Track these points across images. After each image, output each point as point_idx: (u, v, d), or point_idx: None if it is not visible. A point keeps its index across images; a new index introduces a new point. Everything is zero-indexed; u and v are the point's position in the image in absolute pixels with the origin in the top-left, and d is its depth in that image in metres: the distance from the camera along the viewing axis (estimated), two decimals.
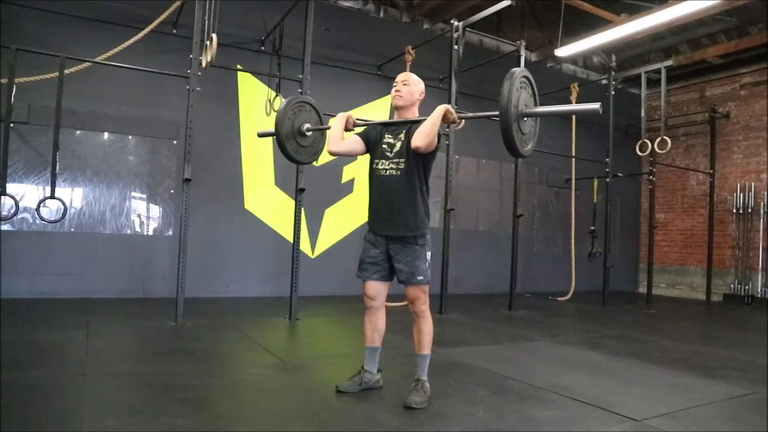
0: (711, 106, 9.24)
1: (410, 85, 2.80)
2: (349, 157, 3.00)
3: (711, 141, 9.25)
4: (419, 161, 2.69)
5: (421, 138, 2.55)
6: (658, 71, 7.74)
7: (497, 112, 2.27)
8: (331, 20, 6.97)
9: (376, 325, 2.84)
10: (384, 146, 2.77)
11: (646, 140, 7.53)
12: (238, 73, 6.40)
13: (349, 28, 7.26)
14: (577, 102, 8.05)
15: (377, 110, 7.26)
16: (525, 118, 2.34)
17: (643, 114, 7.81)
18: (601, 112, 2.23)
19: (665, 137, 7.32)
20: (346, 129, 2.89)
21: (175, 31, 5.93)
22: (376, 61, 7.37)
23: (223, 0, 4.88)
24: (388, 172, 2.73)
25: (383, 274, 2.80)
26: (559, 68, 9.59)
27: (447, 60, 6.17)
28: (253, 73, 6.46)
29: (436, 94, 7.40)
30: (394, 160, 2.72)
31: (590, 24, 7.57)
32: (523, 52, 6.51)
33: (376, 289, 2.80)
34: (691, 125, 9.68)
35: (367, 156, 2.89)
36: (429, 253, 2.74)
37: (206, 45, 4.50)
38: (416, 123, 2.70)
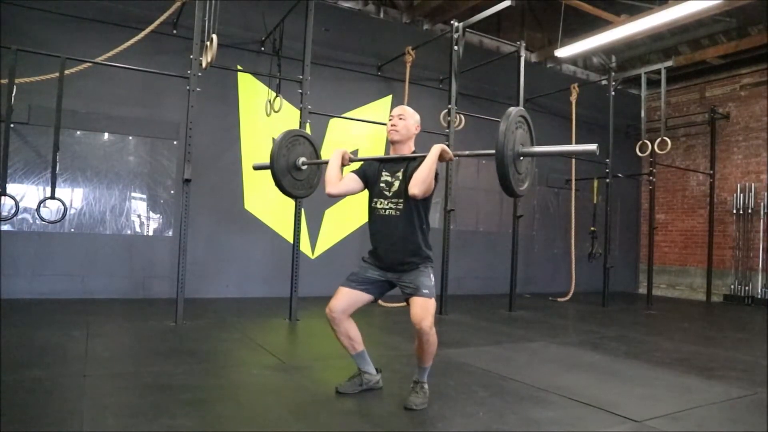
0: (711, 106, 9.24)
1: (406, 119, 2.75)
2: (348, 195, 2.94)
3: (711, 141, 9.26)
4: (418, 201, 2.63)
5: (418, 186, 2.50)
6: (658, 72, 7.74)
7: (493, 151, 2.25)
8: (331, 21, 6.98)
9: (348, 334, 2.77)
10: (382, 185, 2.72)
11: (646, 141, 7.53)
12: (239, 73, 6.40)
13: (349, 29, 7.26)
14: (577, 104, 8.05)
15: (377, 111, 7.26)
16: (521, 158, 2.34)
17: (643, 114, 7.81)
18: (598, 153, 2.21)
19: (665, 138, 7.32)
20: (342, 164, 2.82)
21: (175, 31, 5.93)
22: (376, 61, 7.37)
23: (224, 0, 4.88)
24: (387, 211, 2.68)
25: (368, 289, 2.74)
26: (559, 69, 9.60)
27: (447, 60, 6.17)
28: (254, 74, 6.45)
29: (437, 94, 7.42)
30: (393, 200, 2.67)
31: (590, 25, 7.57)
32: (523, 53, 6.52)
33: (341, 302, 2.72)
34: (691, 126, 9.69)
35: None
36: (432, 275, 2.70)
37: (206, 46, 4.50)
38: (413, 160, 2.67)
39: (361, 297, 2.75)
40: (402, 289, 2.69)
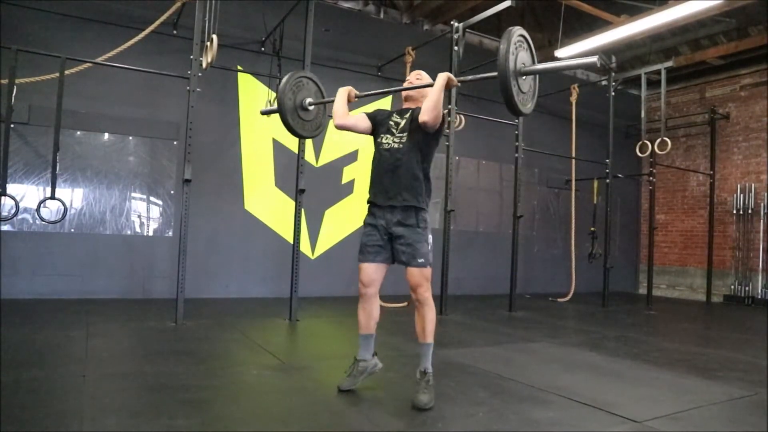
0: (711, 107, 9.24)
1: (423, 80, 2.90)
2: (354, 132, 3.02)
3: (711, 142, 9.26)
4: (421, 138, 2.76)
5: (428, 113, 2.63)
6: (658, 72, 7.74)
7: (496, 74, 2.31)
8: (331, 21, 6.98)
9: (371, 312, 2.85)
10: (390, 123, 2.88)
11: (646, 141, 7.53)
12: (239, 74, 6.40)
13: (349, 29, 7.27)
14: (577, 104, 8.05)
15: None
16: (524, 77, 2.38)
17: (643, 115, 7.81)
18: (599, 65, 2.26)
19: (665, 138, 7.32)
20: (348, 101, 2.99)
21: (175, 32, 5.93)
22: (376, 62, 7.37)
23: (224, 1, 4.89)
24: (390, 145, 2.81)
25: (384, 257, 2.81)
26: None
27: (447, 61, 6.17)
28: (254, 74, 6.46)
29: None
30: (398, 135, 2.81)
31: (590, 25, 7.58)
32: None
33: (372, 276, 2.80)
34: (691, 126, 9.69)
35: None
36: (430, 237, 2.78)
37: (206, 46, 4.50)
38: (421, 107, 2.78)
39: (382, 267, 2.85)
40: (398, 254, 2.75)
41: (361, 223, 2.92)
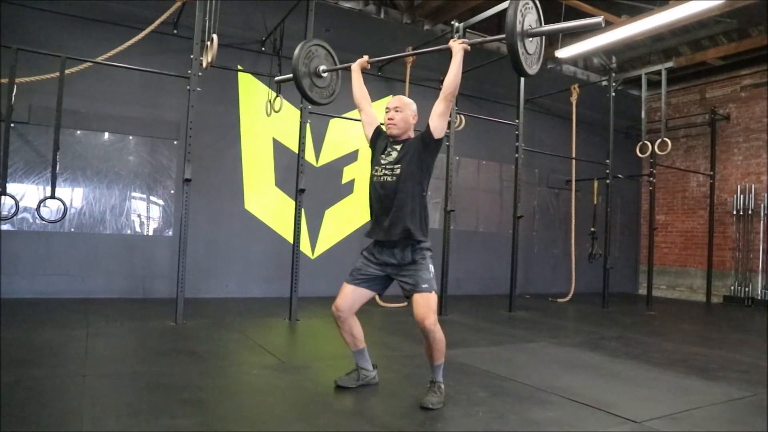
0: (711, 107, 9.24)
1: (403, 111, 2.80)
2: (362, 120, 3.07)
3: (711, 142, 9.26)
4: (416, 163, 2.70)
5: (451, 86, 2.68)
6: (659, 73, 7.74)
7: (504, 36, 2.37)
8: (331, 21, 6.97)
9: (352, 332, 2.84)
10: (383, 154, 2.80)
11: (646, 142, 7.53)
12: (239, 73, 6.40)
13: (349, 29, 7.26)
14: (578, 105, 8.04)
15: (377, 111, 7.23)
16: (530, 39, 2.43)
17: (643, 115, 7.82)
18: (603, 26, 2.28)
19: (665, 139, 7.32)
20: (363, 70, 3.12)
21: (175, 31, 5.93)
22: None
23: (224, 0, 4.89)
24: (382, 178, 2.74)
25: (370, 285, 2.79)
26: (560, 69, 9.59)
27: (447, 61, 6.12)
28: (254, 74, 6.46)
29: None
30: (388, 167, 2.74)
31: None
32: None
33: (349, 302, 2.77)
34: (692, 127, 9.69)
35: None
36: (432, 266, 2.72)
37: (207, 45, 4.51)
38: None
39: (366, 293, 2.81)
40: (401, 287, 2.71)
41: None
